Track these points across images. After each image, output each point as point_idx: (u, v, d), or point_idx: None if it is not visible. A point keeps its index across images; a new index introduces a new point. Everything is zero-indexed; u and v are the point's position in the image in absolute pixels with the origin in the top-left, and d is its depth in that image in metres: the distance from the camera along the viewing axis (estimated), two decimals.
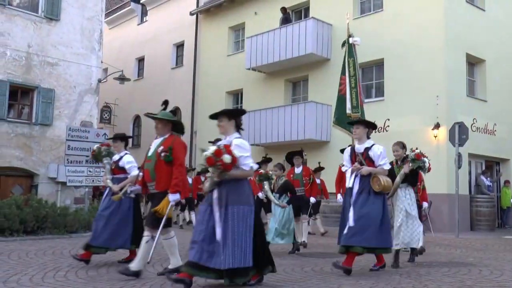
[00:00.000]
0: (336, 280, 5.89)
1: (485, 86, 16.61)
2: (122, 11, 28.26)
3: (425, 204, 8.67)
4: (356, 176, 6.49)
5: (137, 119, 26.36)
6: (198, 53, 23.22)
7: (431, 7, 15.41)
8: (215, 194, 5.06)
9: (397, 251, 7.25)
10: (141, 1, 26.85)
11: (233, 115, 5.46)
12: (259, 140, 18.52)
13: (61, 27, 15.33)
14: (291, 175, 10.03)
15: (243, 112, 5.66)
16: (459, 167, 13.34)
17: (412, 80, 15.50)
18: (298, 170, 10.27)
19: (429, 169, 7.61)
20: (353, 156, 6.64)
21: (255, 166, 5.36)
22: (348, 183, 6.64)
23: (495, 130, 16.47)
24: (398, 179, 7.25)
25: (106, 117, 25.51)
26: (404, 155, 7.53)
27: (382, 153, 6.47)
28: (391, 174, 6.95)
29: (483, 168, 16.52)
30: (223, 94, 21.74)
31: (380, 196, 6.43)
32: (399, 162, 7.56)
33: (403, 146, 7.69)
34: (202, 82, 22.77)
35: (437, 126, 14.69)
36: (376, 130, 16.51)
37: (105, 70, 22.03)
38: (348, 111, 10.36)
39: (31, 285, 5.29)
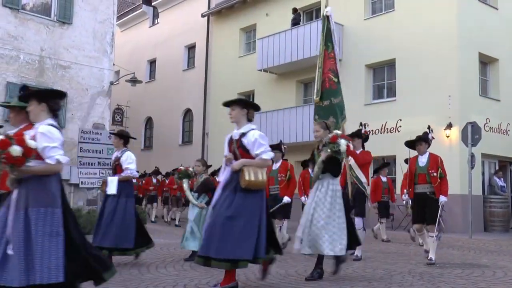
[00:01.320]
0: (349, 282, 5.88)
1: (498, 86, 16.48)
2: (133, 14, 28.44)
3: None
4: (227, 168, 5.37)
5: (149, 121, 26.51)
6: (209, 55, 23.29)
7: (443, 6, 15.32)
8: (14, 194, 3.99)
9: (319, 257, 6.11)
10: (152, 4, 26.99)
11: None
12: (271, 141, 18.43)
13: (73, 31, 15.46)
14: (268, 172, 8.99)
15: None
16: (472, 167, 13.24)
17: (424, 80, 15.41)
18: (275, 166, 9.33)
19: (352, 154, 7.10)
20: (230, 144, 5.45)
21: (64, 159, 4.13)
22: (219, 177, 5.61)
23: (509, 130, 16.32)
24: (316, 168, 6.09)
25: (118, 119, 25.64)
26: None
27: (257, 139, 5.19)
28: (330, 162, 5.97)
29: (497, 168, 16.37)
30: (235, 96, 21.73)
31: (252, 194, 5.14)
32: (320, 147, 6.17)
33: (326, 126, 6.20)
34: (213, 83, 22.83)
35: (449, 126, 14.60)
36: (388, 130, 16.47)
37: (117, 72, 22.16)
38: (315, 97, 8.95)
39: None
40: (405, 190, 8.37)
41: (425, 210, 7.68)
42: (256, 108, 5.55)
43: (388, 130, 16.16)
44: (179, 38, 25.13)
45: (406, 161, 9.36)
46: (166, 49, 25.73)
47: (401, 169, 12.61)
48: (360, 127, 10.51)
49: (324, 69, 8.75)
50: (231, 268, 5.03)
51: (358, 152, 8.06)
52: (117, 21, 20.11)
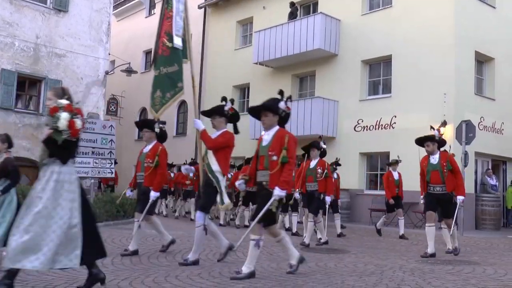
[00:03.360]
0: (339, 276, 5.90)
1: (493, 85, 16.52)
2: (130, 4, 28.27)
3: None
4: None
5: (143, 112, 26.41)
6: (205, 47, 23.20)
7: (441, 3, 15.32)
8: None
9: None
10: None
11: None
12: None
13: (69, 19, 15.36)
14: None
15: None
16: (465, 165, 13.28)
17: (420, 77, 15.43)
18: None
19: (203, 136, 6.17)
20: None
21: None
22: None
23: (503, 129, 16.39)
24: (40, 150, 4.84)
25: (112, 109, 25.55)
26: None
27: None
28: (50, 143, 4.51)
29: (489, 167, 16.44)
30: (230, 88, 21.72)
31: None
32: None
33: (62, 93, 4.73)
34: (209, 75, 22.77)
35: (444, 123, 14.63)
36: (383, 126, 16.50)
37: (113, 62, 22.07)
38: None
39: (37, 274, 5.33)
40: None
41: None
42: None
43: (383, 126, 16.18)
44: None
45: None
46: None
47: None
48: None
49: (160, 32, 7.25)
50: None
51: (219, 133, 6.54)
52: (113, 11, 19.99)
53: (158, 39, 7.18)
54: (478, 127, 14.78)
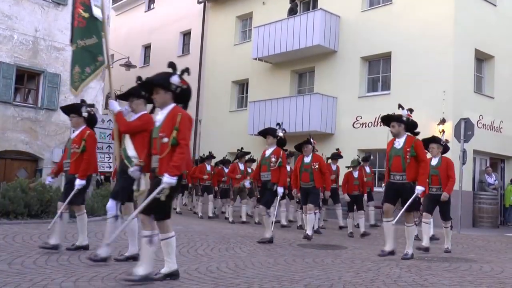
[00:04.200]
0: (337, 272, 5.91)
1: (492, 83, 16.52)
2: None
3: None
4: None
5: None
6: (204, 42, 23.17)
7: (441, 1, 15.30)
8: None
9: None
10: None
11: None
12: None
13: (68, 12, 15.27)
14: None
15: None
16: (464, 163, 13.31)
17: (419, 75, 15.42)
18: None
19: (118, 118, 5.86)
20: None
21: None
22: None
23: (501, 127, 16.40)
24: None
25: None
26: None
27: None
28: None
29: (488, 165, 16.46)
30: (229, 84, 21.72)
31: None
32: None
33: None
34: (208, 71, 22.74)
35: (442, 121, 14.64)
36: (381, 123, 16.48)
37: (112, 56, 22.02)
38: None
39: (35, 267, 5.33)
40: None
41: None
42: None
43: (382, 123, 16.14)
44: (175, 24, 24.97)
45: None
46: (161, 35, 25.56)
47: None
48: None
49: (76, 3, 6.68)
50: None
51: (136, 116, 6.14)
52: (112, 5, 19.96)
53: (73, 10, 6.65)
54: (477, 125, 14.80)
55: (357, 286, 5.09)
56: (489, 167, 16.14)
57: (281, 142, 9.01)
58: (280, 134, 8.93)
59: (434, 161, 8.43)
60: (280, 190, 8.69)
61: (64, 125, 14.74)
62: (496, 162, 17.00)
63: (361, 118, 16.80)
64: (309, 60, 18.70)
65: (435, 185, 8.32)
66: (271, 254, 7.18)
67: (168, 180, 4.64)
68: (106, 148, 12.63)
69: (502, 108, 16.37)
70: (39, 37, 14.68)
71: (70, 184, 6.57)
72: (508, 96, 16.67)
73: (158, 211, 4.79)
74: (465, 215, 13.96)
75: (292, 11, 18.98)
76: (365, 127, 16.66)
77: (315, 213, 9.70)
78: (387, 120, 7.73)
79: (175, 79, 5.01)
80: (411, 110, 7.68)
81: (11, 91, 14.13)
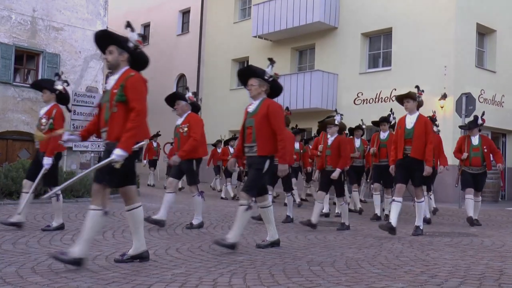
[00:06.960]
0: (339, 248, 5.95)
1: (494, 57, 16.42)
2: None
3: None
4: None
5: None
6: (204, 20, 22.98)
7: None
8: None
9: None
10: None
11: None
12: None
13: None
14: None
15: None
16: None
17: (420, 50, 15.32)
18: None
19: None
20: None
21: None
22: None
23: (503, 102, 16.35)
24: None
25: None
26: None
27: None
28: None
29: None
30: (229, 62, 21.61)
31: None
32: None
33: None
34: (207, 49, 22.61)
35: (444, 96, 14.59)
36: (382, 99, 16.38)
37: None
38: None
39: (39, 247, 5.38)
40: None
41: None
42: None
43: (383, 99, 16.13)
44: (174, 3, 24.74)
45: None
46: (160, 14, 25.35)
47: None
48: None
49: None
50: None
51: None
52: None
53: None
54: (478, 100, 14.75)
55: (359, 262, 5.13)
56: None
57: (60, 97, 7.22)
58: (59, 87, 7.14)
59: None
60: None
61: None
62: (497, 136, 16.98)
63: (362, 94, 16.75)
64: (310, 37, 18.56)
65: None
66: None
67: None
68: None
69: (504, 82, 16.29)
70: (37, 17, 14.56)
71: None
72: (510, 70, 16.58)
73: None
74: None
75: None
76: (366, 103, 16.62)
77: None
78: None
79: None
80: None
81: (11, 71, 14.08)
